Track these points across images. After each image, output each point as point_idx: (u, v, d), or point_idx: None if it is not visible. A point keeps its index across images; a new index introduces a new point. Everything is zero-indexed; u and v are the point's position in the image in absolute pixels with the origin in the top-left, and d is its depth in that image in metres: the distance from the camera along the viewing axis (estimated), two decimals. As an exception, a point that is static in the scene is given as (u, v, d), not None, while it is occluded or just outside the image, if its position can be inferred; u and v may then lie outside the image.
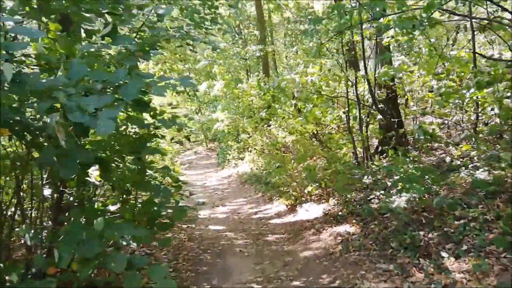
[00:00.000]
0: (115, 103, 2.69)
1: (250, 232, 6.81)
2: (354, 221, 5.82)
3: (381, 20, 8.50)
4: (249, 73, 19.29)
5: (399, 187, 5.20)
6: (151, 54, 4.31)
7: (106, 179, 3.91)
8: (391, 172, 6.77)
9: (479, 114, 8.21)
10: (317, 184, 8.40)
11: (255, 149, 14.72)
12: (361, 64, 9.18)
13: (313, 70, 7.35)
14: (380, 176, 7.14)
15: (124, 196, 4.32)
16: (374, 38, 8.83)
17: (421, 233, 4.65)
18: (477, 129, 8.12)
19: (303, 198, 7.88)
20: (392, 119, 8.75)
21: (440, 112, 8.76)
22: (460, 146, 7.12)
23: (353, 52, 9.18)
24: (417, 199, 5.10)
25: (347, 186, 6.75)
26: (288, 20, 21.45)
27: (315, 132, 10.89)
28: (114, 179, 4.14)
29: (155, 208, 3.77)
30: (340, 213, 6.10)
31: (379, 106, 8.86)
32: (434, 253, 4.21)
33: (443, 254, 4.09)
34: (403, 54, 10.29)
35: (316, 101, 7.46)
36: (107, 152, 4.18)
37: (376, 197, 6.32)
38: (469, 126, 8.76)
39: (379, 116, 8.53)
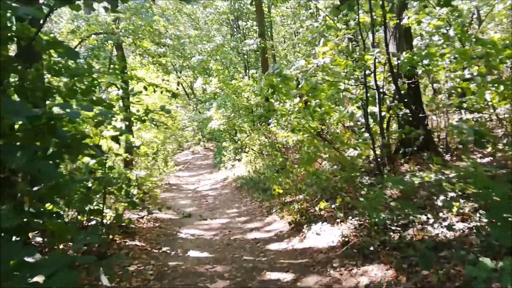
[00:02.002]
0: None
1: (242, 264, 4.70)
2: (391, 258, 3.72)
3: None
4: (247, 69, 17.20)
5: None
6: None
7: None
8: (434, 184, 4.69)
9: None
10: (328, 195, 6.35)
11: (252, 149, 12.66)
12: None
13: (325, 48, 5.21)
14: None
15: None
16: (395, 17, 6.76)
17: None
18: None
19: (311, 215, 5.79)
20: (419, 115, 6.68)
21: (477, 106, 6.67)
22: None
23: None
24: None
25: (374, 204, 4.65)
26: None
27: (320, 130, 8.81)
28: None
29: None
30: (371, 248, 3.97)
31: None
32: None
33: None
34: (424, 39, 8.16)
35: (326, 92, 5.38)
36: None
37: (415, 221, 4.22)
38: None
39: (405, 111, 6.44)
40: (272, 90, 6.55)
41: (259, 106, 13.30)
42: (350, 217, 5.03)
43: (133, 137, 13.63)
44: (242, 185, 10.38)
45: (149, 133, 15.60)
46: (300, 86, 4.98)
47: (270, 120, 12.39)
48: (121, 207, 6.63)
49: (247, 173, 11.59)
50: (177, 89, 27.79)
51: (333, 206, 5.30)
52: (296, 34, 20.15)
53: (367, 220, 4.71)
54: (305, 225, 5.42)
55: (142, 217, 7.43)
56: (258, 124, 13.10)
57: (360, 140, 7.00)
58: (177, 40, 17.60)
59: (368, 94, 6.63)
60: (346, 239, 4.46)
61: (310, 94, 5.02)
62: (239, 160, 13.82)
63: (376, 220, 4.29)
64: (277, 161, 9.38)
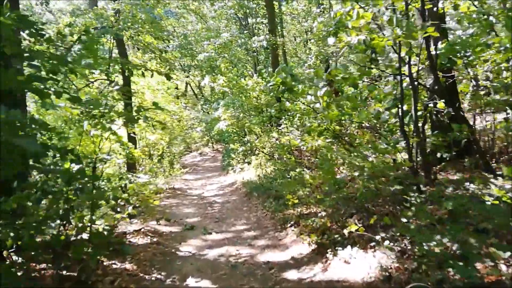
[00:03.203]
0: None
1: (252, 301, 3.67)
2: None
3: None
4: (257, 67, 16.16)
5: None
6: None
7: None
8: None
9: None
10: (353, 208, 5.30)
11: (262, 152, 11.63)
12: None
13: (361, 21, 3.97)
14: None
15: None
16: (430, 1, 5.67)
17: None
18: None
19: (334, 232, 4.73)
20: (461, 113, 5.59)
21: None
22: None
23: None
24: None
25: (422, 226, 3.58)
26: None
27: (339, 132, 7.72)
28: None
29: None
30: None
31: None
32: None
33: None
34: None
35: (358, 80, 4.25)
36: None
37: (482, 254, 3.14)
38: None
39: (448, 110, 5.34)
40: (284, 88, 5.48)
41: (269, 106, 12.25)
42: (386, 240, 3.97)
43: (135, 138, 12.68)
44: (251, 191, 9.34)
45: (154, 135, 14.64)
46: (329, 71, 3.89)
47: (281, 121, 11.39)
48: (110, 219, 5.65)
49: (257, 178, 10.56)
50: (185, 89, 26.87)
51: (370, 235, 4.17)
52: (307, 32, 19.10)
53: (409, 246, 3.65)
54: (329, 249, 4.35)
55: (139, 230, 6.44)
56: (269, 125, 12.08)
57: (385, 144, 5.91)
58: (184, 37, 16.68)
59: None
60: (387, 273, 3.40)
61: (339, 85, 3.93)
62: (249, 163, 12.80)
63: (425, 247, 3.24)
64: (291, 165, 8.33)
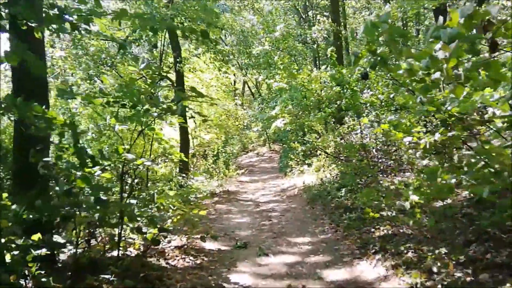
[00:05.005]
0: None
1: None
2: None
3: None
4: (318, 62, 14.46)
5: None
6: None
7: None
8: None
9: None
10: (472, 233, 3.60)
11: (326, 153, 9.97)
12: None
13: None
14: None
15: None
16: None
17: None
18: None
19: (450, 274, 3.04)
20: None
21: None
22: None
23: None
24: None
25: None
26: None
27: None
28: None
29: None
30: None
31: None
32: None
33: None
34: None
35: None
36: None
37: None
38: None
39: None
40: (374, 59, 3.75)
41: (332, 102, 10.52)
42: None
43: (188, 137, 11.56)
44: (314, 199, 7.75)
45: (208, 134, 13.52)
46: (469, 11, 2.16)
47: (346, 118, 9.69)
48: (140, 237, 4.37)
49: (319, 182, 8.95)
50: (243, 88, 25.79)
51: None
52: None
53: None
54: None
55: (181, 248, 5.10)
56: (332, 122, 10.39)
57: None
58: (242, 33, 15.46)
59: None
60: None
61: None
62: (309, 165, 11.19)
63: None
64: (366, 169, 6.64)
